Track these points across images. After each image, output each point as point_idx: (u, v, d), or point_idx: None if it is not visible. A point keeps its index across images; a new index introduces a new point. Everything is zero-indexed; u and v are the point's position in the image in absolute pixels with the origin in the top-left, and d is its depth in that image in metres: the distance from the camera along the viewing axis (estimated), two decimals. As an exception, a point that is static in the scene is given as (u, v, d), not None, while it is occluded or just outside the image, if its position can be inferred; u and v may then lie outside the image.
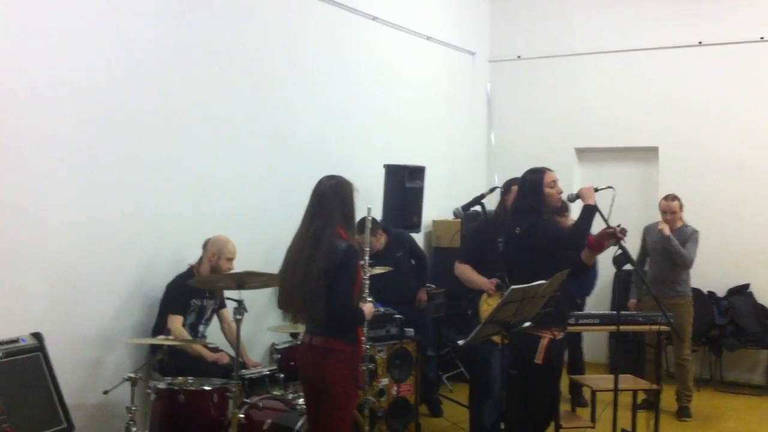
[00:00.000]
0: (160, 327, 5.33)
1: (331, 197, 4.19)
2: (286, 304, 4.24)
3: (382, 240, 6.95)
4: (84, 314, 5.14)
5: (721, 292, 8.61)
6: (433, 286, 7.60)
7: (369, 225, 5.57)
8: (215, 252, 5.53)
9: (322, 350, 4.16)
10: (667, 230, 7.25)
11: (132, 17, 5.41)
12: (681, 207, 7.41)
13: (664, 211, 7.41)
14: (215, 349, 5.45)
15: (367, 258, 5.30)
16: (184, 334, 5.40)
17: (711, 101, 8.85)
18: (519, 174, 5.25)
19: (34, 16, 4.79)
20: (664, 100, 9.09)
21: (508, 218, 5.33)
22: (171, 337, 4.86)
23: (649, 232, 7.58)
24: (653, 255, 7.47)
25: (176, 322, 5.37)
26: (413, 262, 7.28)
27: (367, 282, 5.16)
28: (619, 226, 4.94)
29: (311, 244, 4.11)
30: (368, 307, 4.42)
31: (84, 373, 5.13)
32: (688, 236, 7.32)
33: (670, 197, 7.44)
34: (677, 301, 7.26)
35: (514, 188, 5.48)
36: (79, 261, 5.10)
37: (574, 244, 4.96)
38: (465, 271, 5.76)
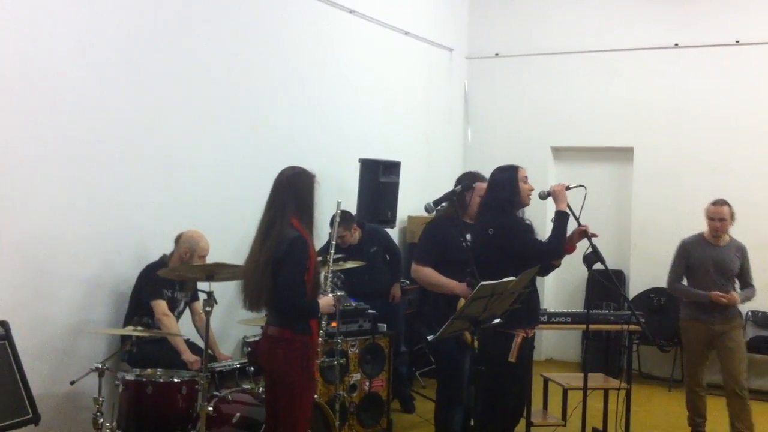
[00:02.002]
0: (133, 315, 5.29)
1: (286, 188, 4.25)
2: (243, 291, 4.28)
3: (356, 234, 6.94)
4: (51, 303, 5.08)
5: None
6: (407, 281, 7.59)
7: (338, 219, 5.57)
8: (187, 249, 5.46)
9: (274, 340, 4.24)
10: (732, 298, 6.23)
11: (107, 3, 5.35)
12: (732, 215, 6.36)
13: (711, 218, 6.35)
14: (194, 351, 5.38)
15: (332, 251, 5.28)
16: (172, 320, 5.36)
17: (686, 103, 8.91)
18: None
19: (5, 4, 4.73)
20: (640, 101, 9.14)
21: (476, 216, 5.24)
22: (140, 327, 4.81)
23: (692, 247, 6.46)
24: (702, 274, 6.37)
25: (162, 306, 5.32)
26: (388, 257, 7.27)
27: (330, 275, 5.15)
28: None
29: (263, 233, 4.20)
30: (326, 300, 4.41)
31: (51, 362, 5.07)
32: (743, 256, 6.40)
33: (719, 202, 6.36)
34: (734, 324, 6.38)
35: (479, 185, 5.35)
36: (47, 249, 5.04)
37: (553, 255, 4.97)
38: (430, 275, 5.29)
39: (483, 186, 5.33)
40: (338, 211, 5.48)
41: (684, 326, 6.55)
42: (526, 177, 5.03)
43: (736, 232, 6.42)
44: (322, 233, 4.60)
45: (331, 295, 4.67)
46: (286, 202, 4.21)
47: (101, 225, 5.38)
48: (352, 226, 6.86)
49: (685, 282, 6.52)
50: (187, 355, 5.23)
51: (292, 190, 4.24)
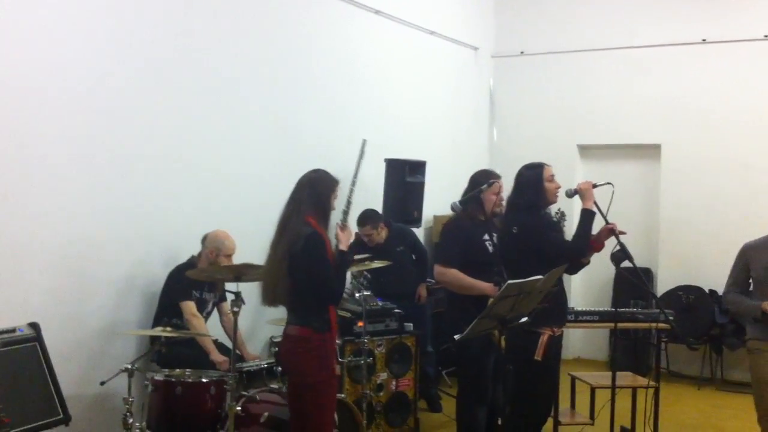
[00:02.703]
0: (162, 316, 5.34)
1: (304, 188, 4.33)
2: (261, 285, 4.36)
3: (383, 234, 6.94)
4: (82, 305, 5.13)
5: (722, 291, 8.56)
6: (433, 281, 7.58)
7: (361, 153, 5.22)
8: (213, 249, 5.50)
9: (294, 339, 4.28)
10: None
11: (135, 10, 5.40)
12: None
13: None
14: (223, 352, 5.40)
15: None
16: (201, 321, 5.40)
17: (714, 99, 8.83)
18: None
19: (36, 13, 4.78)
20: (668, 98, 9.06)
21: (504, 215, 5.22)
22: (169, 328, 4.85)
23: (755, 253, 5.26)
24: (765, 285, 5.22)
25: (191, 307, 5.37)
26: (414, 257, 7.27)
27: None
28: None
29: (279, 230, 4.29)
30: (345, 236, 4.31)
31: (81, 363, 5.12)
32: None
33: None
34: None
35: (497, 184, 5.30)
36: (78, 252, 5.09)
37: (576, 254, 4.95)
38: (458, 277, 5.17)
39: (497, 183, 5.30)
40: (364, 144, 5.10)
41: (750, 347, 5.28)
42: (552, 175, 5.02)
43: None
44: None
45: (343, 231, 4.36)
46: (303, 200, 4.29)
47: (131, 228, 5.43)
48: (379, 225, 6.86)
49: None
50: (216, 356, 5.26)
51: (311, 190, 4.31)
